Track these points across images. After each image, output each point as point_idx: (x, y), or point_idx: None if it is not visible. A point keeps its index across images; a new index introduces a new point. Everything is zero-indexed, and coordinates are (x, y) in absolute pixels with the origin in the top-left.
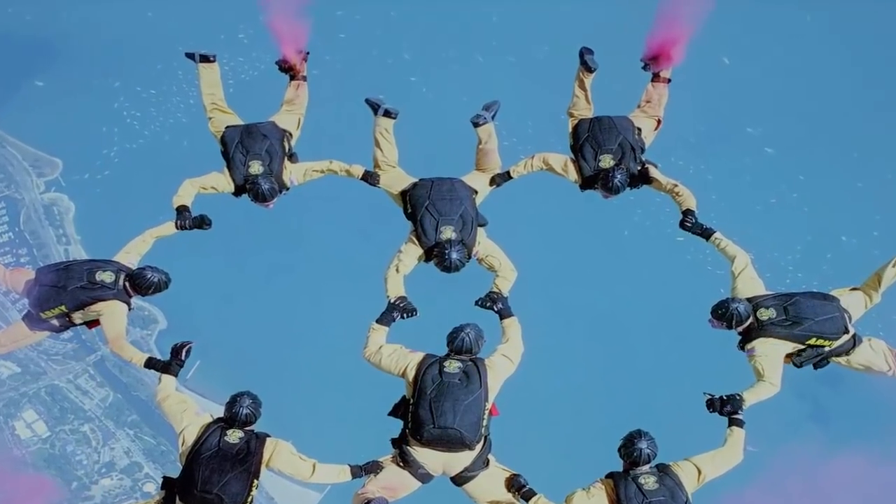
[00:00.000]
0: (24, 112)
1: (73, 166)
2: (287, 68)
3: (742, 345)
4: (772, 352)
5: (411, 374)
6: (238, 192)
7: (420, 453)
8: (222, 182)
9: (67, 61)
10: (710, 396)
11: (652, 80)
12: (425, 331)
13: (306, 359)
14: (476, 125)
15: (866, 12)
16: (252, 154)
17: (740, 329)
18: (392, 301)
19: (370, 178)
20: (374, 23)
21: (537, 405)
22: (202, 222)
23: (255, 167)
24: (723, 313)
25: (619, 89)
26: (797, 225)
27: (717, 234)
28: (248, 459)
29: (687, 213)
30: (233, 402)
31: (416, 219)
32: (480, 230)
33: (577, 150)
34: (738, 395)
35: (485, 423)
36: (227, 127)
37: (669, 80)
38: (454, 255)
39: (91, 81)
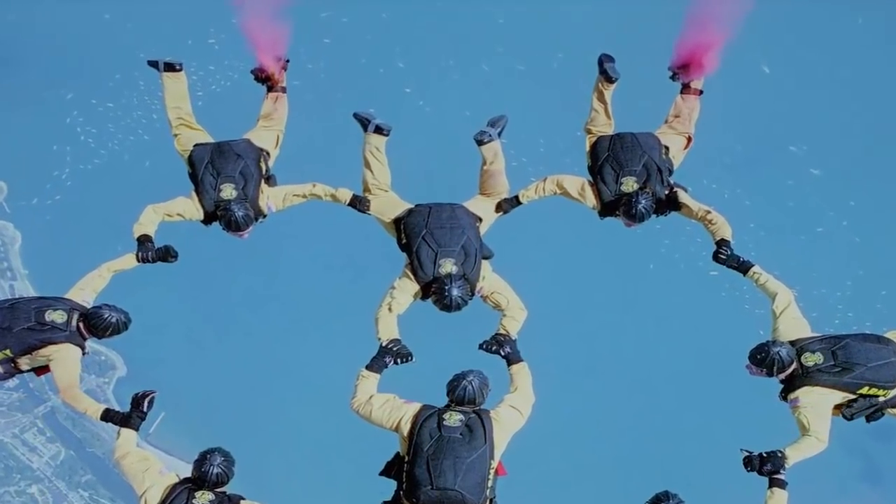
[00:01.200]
0: None
1: (18, 190)
2: (264, 78)
3: (784, 394)
4: (818, 402)
5: (406, 428)
6: (208, 219)
7: None
8: (190, 208)
9: (11, 69)
10: (747, 453)
11: (681, 92)
12: (422, 378)
13: (286, 410)
14: (480, 143)
15: None
16: (224, 176)
17: (782, 376)
18: (384, 344)
19: (359, 203)
20: (364, 26)
21: (550, 463)
22: (167, 254)
23: (228, 191)
24: (762, 358)
25: (643, 102)
26: (847, 257)
27: (756, 268)
28: None
29: (721, 243)
30: (202, 460)
31: (411, 250)
32: (485, 263)
33: (595, 171)
34: (780, 451)
35: (490, 483)
36: (196, 145)
37: (701, 92)
38: (455, 292)
39: (40, 93)
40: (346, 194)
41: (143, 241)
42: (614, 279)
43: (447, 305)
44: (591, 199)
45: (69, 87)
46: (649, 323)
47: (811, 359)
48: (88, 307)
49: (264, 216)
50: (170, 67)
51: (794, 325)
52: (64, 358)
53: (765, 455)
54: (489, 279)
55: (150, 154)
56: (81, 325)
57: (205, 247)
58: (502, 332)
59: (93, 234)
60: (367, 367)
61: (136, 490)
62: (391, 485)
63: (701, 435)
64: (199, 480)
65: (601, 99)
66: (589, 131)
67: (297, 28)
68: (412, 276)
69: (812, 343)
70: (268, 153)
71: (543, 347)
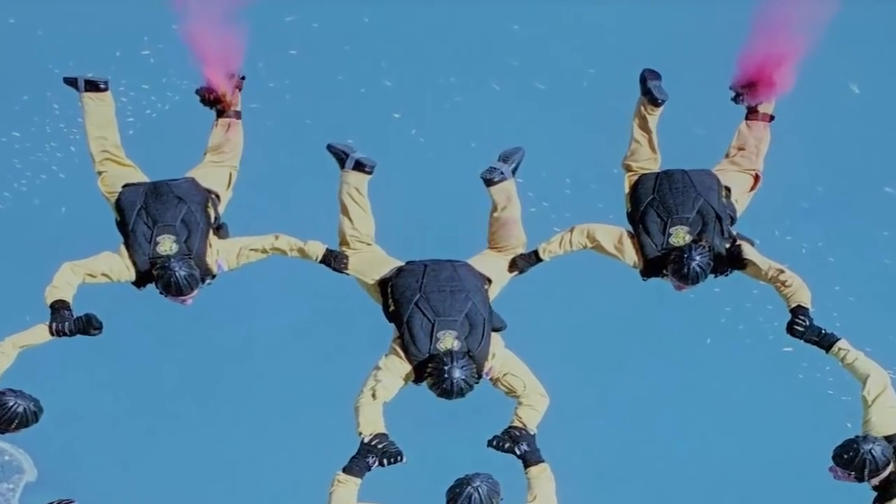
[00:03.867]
0: None
1: None
2: (213, 100)
3: None
4: None
5: None
6: (141, 280)
7: None
8: (118, 266)
9: None
10: None
11: (746, 118)
12: (415, 484)
13: None
14: (489, 183)
15: None
16: (161, 225)
17: (876, 481)
18: (367, 441)
19: (334, 260)
20: (340, 33)
21: None
22: (88, 325)
23: (167, 245)
24: (851, 458)
25: (698, 131)
26: None
27: (843, 343)
28: None
29: (798, 311)
30: None
31: (401, 320)
32: (495, 337)
33: (637, 219)
34: None
35: None
36: (126, 186)
37: (772, 118)
38: (457, 374)
39: None
40: (317, 249)
41: (59, 308)
42: (660, 357)
43: (447, 391)
44: (630, 255)
45: None
46: (705, 414)
47: None
48: None
49: (213, 276)
50: (92, 86)
51: (890, 416)
52: None
53: None
54: (500, 357)
55: (67, 197)
56: None
57: (136, 316)
58: (518, 424)
59: None
60: (345, 471)
61: None
62: None
63: None
64: None
65: (644, 127)
66: (628, 168)
67: (255, 36)
68: (402, 354)
69: None
70: (217, 196)
71: (570, 445)
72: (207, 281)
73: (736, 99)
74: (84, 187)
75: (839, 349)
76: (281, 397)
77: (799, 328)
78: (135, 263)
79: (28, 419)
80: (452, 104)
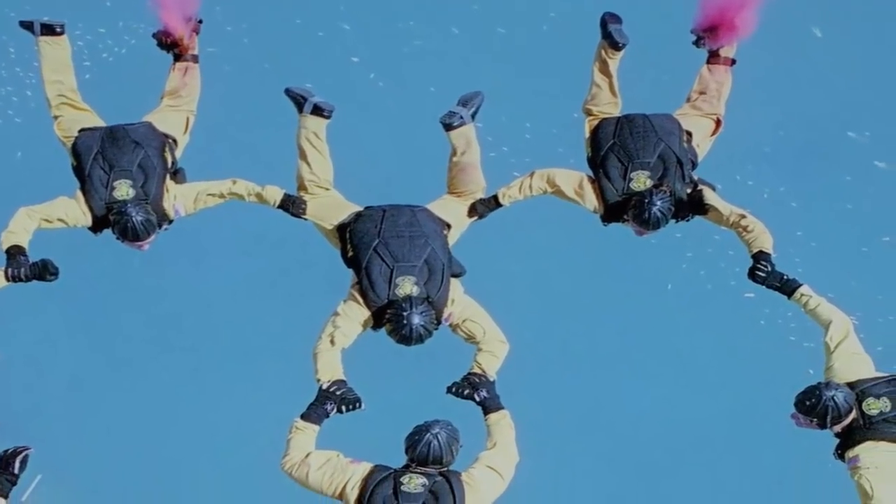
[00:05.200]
0: None
1: None
2: (170, 44)
3: (841, 452)
4: (885, 462)
5: (353, 496)
6: (98, 226)
7: None
8: (74, 212)
9: None
10: None
11: (707, 62)
12: (374, 431)
13: (198, 472)
14: (448, 128)
15: None
16: (118, 170)
17: (838, 428)
18: (325, 387)
19: (292, 205)
20: None
21: None
22: (44, 271)
23: (123, 189)
24: (813, 405)
25: (660, 75)
26: None
27: (805, 289)
28: None
29: (760, 256)
30: None
31: (359, 266)
32: (455, 282)
33: (597, 164)
34: None
35: None
36: (82, 130)
37: (734, 62)
38: (416, 320)
39: None
40: (275, 194)
41: (14, 254)
42: (622, 303)
43: (406, 337)
44: (591, 200)
45: None
46: (666, 360)
47: (875, 406)
48: None
49: (170, 221)
50: (48, 30)
51: (853, 362)
52: None
53: None
54: (460, 303)
55: (23, 142)
56: None
57: (93, 261)
58: (477, 371)
59: None
60: (303, 417)
61: None
62: None
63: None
64: None
65: (605, 71)
66: (589, 112)
67: None
68: (361, 300)
69: (877, 385)
70: (175, 140)
71: (530, 391)
72: (164, 226)
73: (697, 43)
74: (40, 132)
75: (801, 295)
76: (239, 344)
77: (761, 274)
78: (91, 209)
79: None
80: (412, 48)
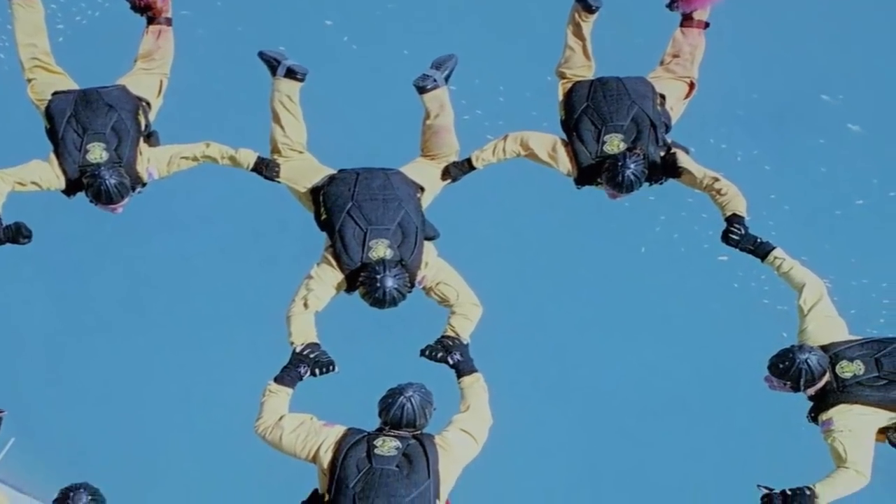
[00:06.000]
0: None
1: None
2: (143, 7)
3: (814, 415)
4: (858, 425)
5: (326, 459)
6: (71, 188)
7: None
8: (48, 175)
9: None
10: (767, 491)
11: (681, 25)
12: (347, 394)
13: (172, 435)
14: (422, 91)
15: None
16: (91, 133)
17: (812, 391)
18: (298, 350)
19: (266, 168)
20: None
21: None
22: (17, 234)
23: (97, 152)
24: (786, 368)
25: (633, 38)
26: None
27: (778, 252)
28: None
29: (733, 219)
30: (64, 500)
31: (333, 229)
32: (428, 245)
33: (571, 127)
34: (809, 488)
35: None
36: (56, 93)
37: (707, 25)
38: (389, 283)
39: None
40: (248, 156)
41: None
42: (595, 266)
43: (379, 300)
44: (564, 163)
45: None
46: (639, 323)
47: (849, 369)
48: None
49: (143, 184)
50: None
51: (826, 325)
52: None
53: (789, 493)
54: (433, 266)
55: None
56: None
57: (67, 225)
58: (450, 334)
59: None
60: (277, 380)
61: None
62: None
63: (706, 467)
64: None
65: (578, 34)
66: (562, 75)
67: None
68: (334, 263)
69: (850, 348)
70: (148, 103)
71: (503, 354)
72: (138, 189)
73: (671, 5)
74: (13, 95)
75: (775, 258)
76: (213, 307)
77: (734, 237)
78: (65, 172)
79: None
80: (385, 12)
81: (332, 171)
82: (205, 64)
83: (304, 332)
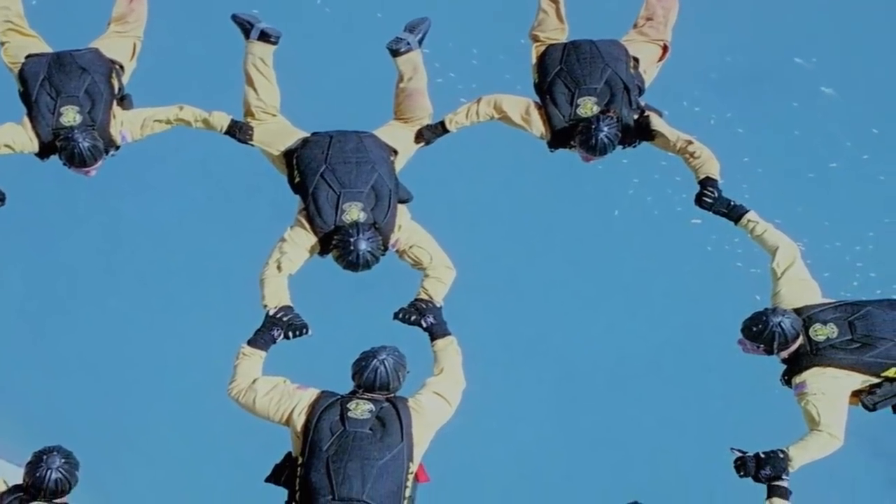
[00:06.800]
0: None
1: None
2: None
3: (788, 378)
4: (831, 388)
5: (300, 422)
6: (45, 151)
7: None
8: (21, 137)
9: None
10: (740, 454)
11: None
12: (321, 357)
13: (145, 398)
14: (395, 54)
15: None
16: (65, 96)
17: (785, 354)
18: (271, 313)
19: (239, 131)
20: None
21: (485, 467)
22: None
23: (70, 115)
24: (759, 331)
25: (605, 1)
26: (869, 201)
27: (751, 215)
28: None
29: (706, 182)
30: (36, 463)
31: (306, 192)
32: (402, 208)
33: (544, 90)
34: (782, 451)
35: (408, 493)
36: (29, 56)
37: None
38: (363, 246)
39: None
40: (222, 119)
41: None
42: (568, 230)
43: (353, 263)
44: (538, 126)
45: None
46: (613, 286)
47: (822, 332)
48: None
49: (117, 147)
50: None
51: (800, 288)
52: None
53: (762, 456)
54: (407, 229)
55: None
56: None
57: (40, 188)
58: (424, 297)
59: None
60: (250, 343)
61: None
62: (281, 494)
63: (679, 431)
64: (33, 488)
65: None
66: (536, 38)
67: None
68: (308, 226)
69: (823, 311)
70: (121, 66)
71: (477, 317)
72: (111, 152)
73: None
74: None
75: (748, 221)
76: (186, 271)
77: (707, 200)
78: (38, 135)
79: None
80: None
81: (306, 135)
82: (178, 27)
83: (277, 295)
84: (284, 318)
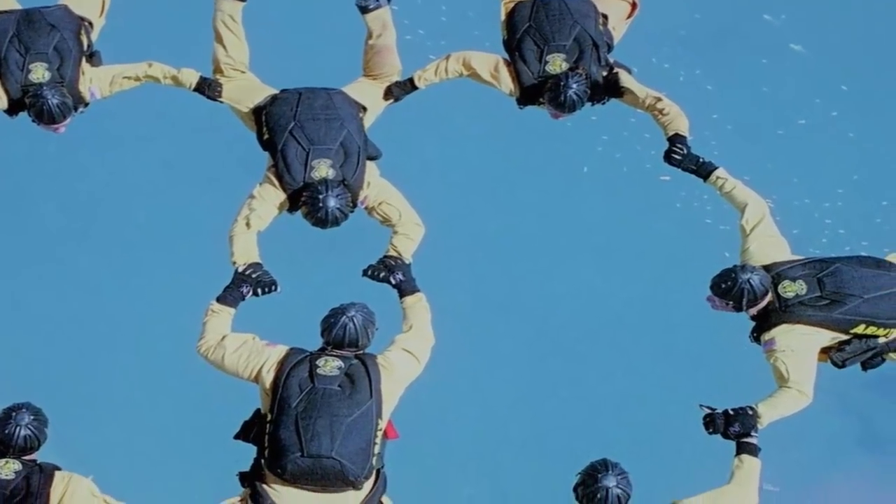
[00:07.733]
0: None
1: None
2: None
3: (757, 335)
4: (800, 344)
5: (268, 378)
6: (14, 108)
7: (281, 494)
8: None
9: None
10: (709, 411)
11: None
12: (289, 314)
13: (113, 355)
14: (364, 10)
15: None
16: (34, 53)
17: (754, 311)
18: (240, 270)
19: (208, 88)
20: None
21: (455, 424)
22: None
23: (39, 72)
24: (728, 288)
25: None
26: (838, 158)
27: (721, 172)
28: (28, 503)
29: (675, 139)
30: (5, 420)
31: (275, 148)
32: (371, 165)
33: (513, 47)
34: (751, 408)
35: (377, 450)
36: None
37: None
38: (332, 203)
39: None
40: (191, 76)
41: None
42: (537, 186)
43: (322, 219)
44: (507, 83)
45: None
46: (582, 243)
47: (791, 288)
48: None
49: (86, 104)
50: None
51: (769, 244)
52: None
53: (731, 413)
54: (375, 186)
55: None
56: None
57: (8, 145)
58: (393, 253)
59: None
60: (219, 300)
61: None
62: (250, 451)
63: (648, 388)
64: (1, 445)
65: None
66: None
67: None
68: (277, 183)
69: (792, 268)
70: (90, 23)
71: (446, 274)
72: (80, 109)
73: None
74: None
75: (717, 178)
76: (154, 228)
77: (676, 156)
78: (7, 92)
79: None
80: None
81: (275, 91)
82: None
83: (246, 251)
84: (253, 275)
